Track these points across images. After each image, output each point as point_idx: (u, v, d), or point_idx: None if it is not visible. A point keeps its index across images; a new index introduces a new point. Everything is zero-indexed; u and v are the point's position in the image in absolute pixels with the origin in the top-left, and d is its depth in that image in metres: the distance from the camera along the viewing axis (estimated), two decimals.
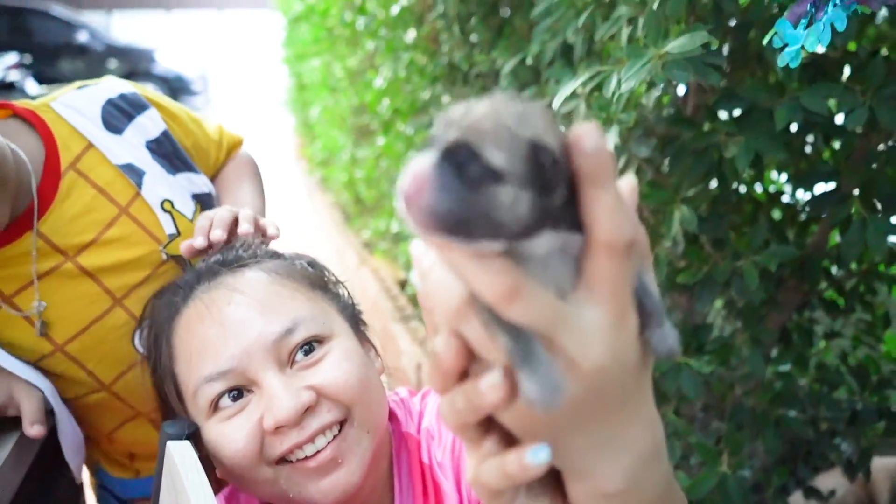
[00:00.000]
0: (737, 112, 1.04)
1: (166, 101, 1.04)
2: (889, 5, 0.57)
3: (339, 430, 0.70)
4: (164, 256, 0.95)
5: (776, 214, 1.45)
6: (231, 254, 0.80)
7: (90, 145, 0.93)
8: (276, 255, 0.82)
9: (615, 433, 0.39)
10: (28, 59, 8.59)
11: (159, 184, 0.96)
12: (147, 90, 1.03)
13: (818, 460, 1.45)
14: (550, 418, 0.38)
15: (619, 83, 0.89)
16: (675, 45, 0.85)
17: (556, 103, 1.03)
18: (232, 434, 0.69)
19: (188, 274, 0.81)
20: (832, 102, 0.99)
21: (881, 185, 1.05)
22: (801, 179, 1.16)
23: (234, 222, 0.86)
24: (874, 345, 1.48)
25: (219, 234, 0.83)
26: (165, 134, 0.99)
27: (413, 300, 3.12)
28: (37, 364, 0.92)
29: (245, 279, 0.75)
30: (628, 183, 0.39)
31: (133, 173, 0.94)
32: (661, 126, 1.13)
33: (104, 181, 0.93)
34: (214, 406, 0.70)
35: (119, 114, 0.96)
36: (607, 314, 0.36)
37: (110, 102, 0.96)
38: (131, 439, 1.04)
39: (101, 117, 0.95)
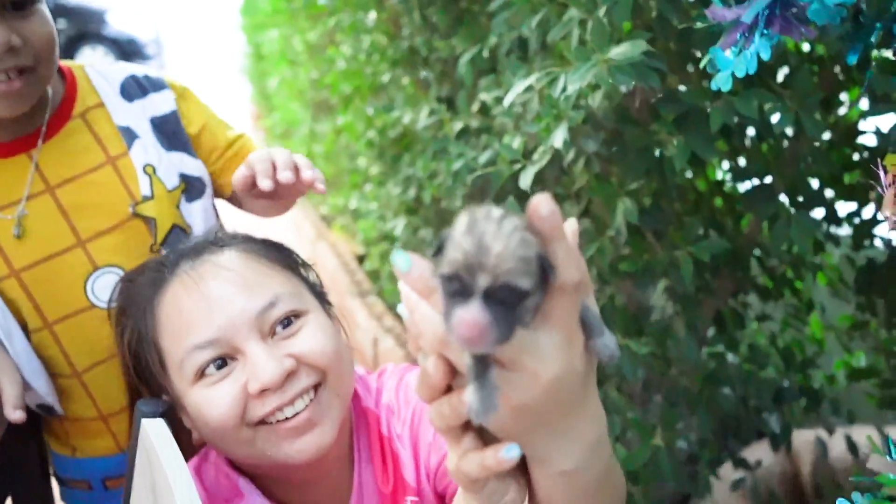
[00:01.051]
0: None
1: (191, 92, 1.13)
2: (805, 35, 0.64)
3: (314, 395, 0.76)
4: (132, 211, 1.01)
5: (718, 202, 1.54)
6: (212, 235, 0.86)
7: (101, 104, 1.04)
8: (251, 239, 0.87)
9: (569, 426, 0.50)
10: None
11: (149, 151, 1.03)
12: (175, 80, 1.12)
13: (747, 434, 1.56)
14: (519, 419, 0.47)
15: (565, 84, 0.95)
16: (617, 52, 0.91)
17: (508, 98, 1.09)
18: (217, 398, 0.74)
19: (170, 253, 0.85)
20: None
21: (806, 184, 1.14)
22: (737, 174, 1.24)
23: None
24: (801, 328, 1.59)
25: (288, 176, 0.92)
26: (173, 114, 1.08)
27: (371, 275, 3.17)
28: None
29: (228, 257, 0.80)
30: (571, 226, 0.48)
31: (128, 135, 1.03)
32: (609, 123, 1.20)
33: (103, 134, 1.02)
34: (200, 373, 0.75)
35: (136, 87, 1.07)
36: (560, 336, 0.46)
37: (133, 77, 1.08)
38: (67, 399, 1.04)
39: (121, 84, 1.06)
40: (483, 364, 0.47)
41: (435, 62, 1.83)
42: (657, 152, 1.14)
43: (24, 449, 1.07)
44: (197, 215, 1.06)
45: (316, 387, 0.77)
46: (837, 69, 1.23)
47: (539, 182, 1.60)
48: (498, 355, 0.46)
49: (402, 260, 0.47)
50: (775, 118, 1.12)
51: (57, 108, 1.01)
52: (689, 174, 1.53)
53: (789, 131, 1.23)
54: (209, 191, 1.10)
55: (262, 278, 0.79)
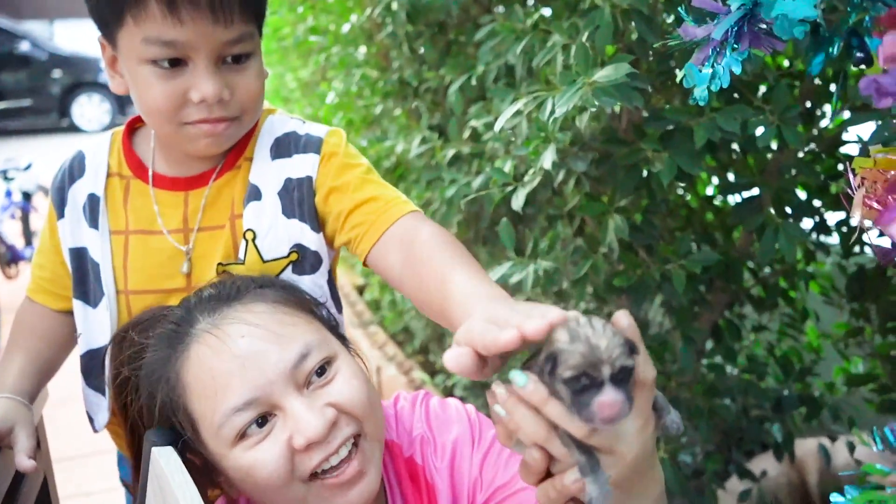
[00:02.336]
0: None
1: (339, 152, 1.02)
2: (776, 50, 0.67)
3: (355, 444, 0.76)
4: (185, 270, 0.98)
5: (710, 216, 1.57)
6: (225, 287, 0.83)
7: (251, 158, 1.01)
8: (266, 283, 0.85)
9: (641, 487, 0.62)
10: None
11: (261, 216, 0.98)
12: (334, 140, 1.03)
13: (750, 445, 1.57)
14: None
15: (553, 108, 0.99)
16: (601, 75, 0.95)
17: (499, 124, 1.12)
18: (264, 457, 0.73)
19: (179, 309, 0.83)
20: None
21: (791, 195, 1.17)
22: (725, 189, 1.27)
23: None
24: (797, 337, 1.61)
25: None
26: (307, 181, 0.99)
27: (371, 305, 3.19)
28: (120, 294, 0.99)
29: (251, 311, 0.78)
30: (625, 319, 0.59)
31: (252, 194, 0.99)
32: (597, 143, 1.23)
33: (238, 188, 1.00)
34: (241, 435, 0.74)
35: (289, 145, 1.01)
36: (640, 422, 0.58)
37: (293, 134, 1.02)
38: None
39: (276, 139, 1.02)
40: (590, 456, 0.59)
41: (425, 93, 1.87)
42: (645, 170, 1.17)
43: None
44: (304, 288, 0.97)
45: (356, 437, 0.77)
46: (819, 82, 1.27)
47: (532, 203, 1.64)
48: (597, 443, 0.57)
49: (520, 378, 0.57)
50: (759, 132, 1.16)
51: (229, 154, 1.01)
52: (679, 191, 1.56)
53: (774, 145, 1.27)
54: (324, 268, 1.01)
55: (289, 328, 0.78)
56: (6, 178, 4.32)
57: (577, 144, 1.26)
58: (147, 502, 0.80)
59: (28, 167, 4.46)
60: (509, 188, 1.27)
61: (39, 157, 5.43)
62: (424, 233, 0.90)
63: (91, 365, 1.03)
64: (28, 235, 4.49)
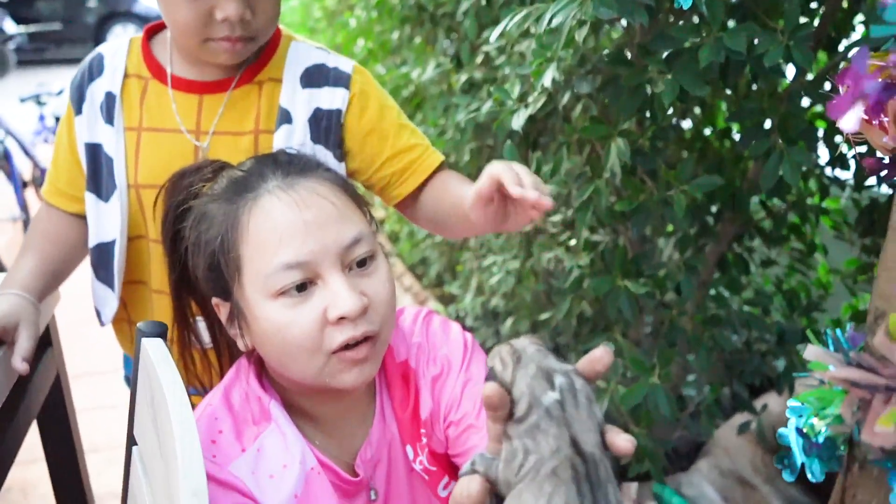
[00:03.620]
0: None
1: (373, 94, 1.10)
2: None
3: (367, 340, 0.79)
4: None
5: (725, 146, 1.54)
6: (299, 159, 0.85)
7: (280, 80, 1.07)
8: (334, 171, 0.87)
9: None
10: None
11: (292, 138, 1.06)
12: (364, 81, 1.10)
13: (751, 378, 1.58)
14: None
15: (550, 19, 0.97)
16: None
17: (495, 34, 1.11)
18: (299, 319, 0.76)
19: (250, 162, 0.85)
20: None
21: (799, 121, 1.14)
22: (733, 116, 1.24)
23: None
24: (806, 272, 1.59)
25: (534, 195, 0.81)
26: (336, 113, 1.08)
27: (390, 237, 3.22)
28: (130, 188, 1.04)
29: (322, 185, 0.81)
30: (603, 354, 0.56)
31: (283, 116, 1.06)
32: (603, 64, 1.21)
33: (265, 107, 1.07)
34: (281, 291, 0.76)
35: (319, 76, 1.08)
36: None
37: (322, 66, 1.09)
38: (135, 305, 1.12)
39: (306, 68, 1.08)
40: None
41: (441, 17, 1.84)
42: (649, 91, 1.15)
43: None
44: None
45: (369, 337, 0.79)
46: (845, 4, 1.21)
47: (541, 131, 1.62)
48: None
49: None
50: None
51: (246, 68, 1.08)
52: (691, 121, 1.53)
53: (791, 72, 1.23)
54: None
55: (351, 213, 0.81)
56: (39, 103, 4.38)
57: (583, 66, 1.24)
58: (138, 388, 0.84)
59: (60, 92, 4.51)
60: (515, 108, 1.26)
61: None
62: (453, 183, 1.07)
63: (101, 257, 1.08)
64: None
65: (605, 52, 1.22)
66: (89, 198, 1.07)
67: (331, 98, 1.08)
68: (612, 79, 1.21)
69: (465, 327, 0.98)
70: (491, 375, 0.56)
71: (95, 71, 1.08)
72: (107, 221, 1.06)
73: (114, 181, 1.04)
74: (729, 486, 1.84)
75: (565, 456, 0.51)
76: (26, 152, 3.94)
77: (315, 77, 1.08)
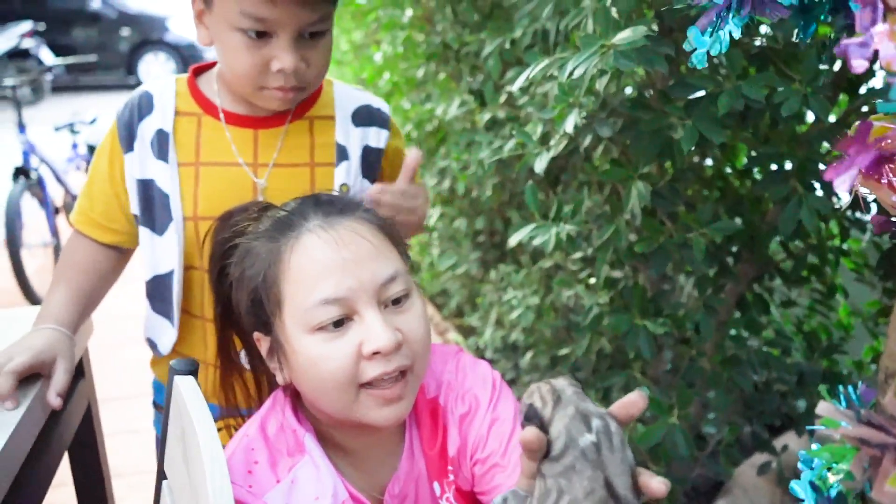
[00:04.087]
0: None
1: (399, 133, 1.24)
2: (778, 15, 0.67)
3: (402, 374, 0.82)
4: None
5: (744, 189, 1.55)
6: (339, 200, 0.89)
7: (332, 117, 1.16)
8: (372, 211, 0.91)
9: None
10: (42, 27, 8.67)
11: (350, 174, 1.14)
12: (393, 120, 1.22)
13: (770, 419, 1.57)
14: None
15: (572, 70, 1.00)
16: (620, 37, 0.96)
17: (518, 83, 1.14)
18: (334, 353, 0.79)
19: (293, 203, 0.89)
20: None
21: (817, 166, 1.16)
22: (753, 160, 1.26)
23: None
24: (826, 314, 1.59)
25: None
26: (380, 152, 1.18)
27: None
28: (187, 221, 1.09)
29: (361, 225, 0.84)
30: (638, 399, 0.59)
31: (341, 153, 1.15)
32: (624, 109, 1.24)
33: (319, 142, 1.14)
34: (319, 326, 0.79)
35: (366, 116, 1.18)
36: None
37: (368, 107, 1.19)
38: (187, 337, 1.15)
39: (355, 108, 1.17)
40: None
41: (465, 56, 1.89)
42: (670, 136, 1.17)
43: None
44: None
45: (406, 369, 0.82)
46: None
47: (564, 169, 1.65)
48: None
49: None
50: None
51: (298, 105, 1.14)
52: (710, 161, 1.55)
53: (811, 116, 1.25)
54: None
55: (387, 252, 0.84)
56: (73, 132, 4.49)
57: (604, 110, 1.27)
58: (169, 423, 0.87)
59: (94, 121, 4.63)
60: (537, 152, 1.29)
61: (105, 112, 5.63)
62: None
63: (157, 289, 1.12)
64: None
65: (626, 96, 1.25)
66: (144, 232, 1.11)
67: (377, 137, 1.17)
68: (632, 123, 1.24)
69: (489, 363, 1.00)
70: (531, 413, 0.58)
71: (145, 109, 1.11)
72: (163, 254, 1.09)
73: (169, 215, 1.08)
74: None
75: (600, 498, 0.53)
76: (59, 179, 4.04)
77: (365, 117, 1.17)
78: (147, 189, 1.10)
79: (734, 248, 1.46)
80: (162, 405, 1.17)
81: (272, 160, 1.11)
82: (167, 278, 1.10)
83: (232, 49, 1.02)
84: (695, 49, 0.75)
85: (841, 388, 0.56)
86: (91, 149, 4.60)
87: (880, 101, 0.46)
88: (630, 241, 1.31)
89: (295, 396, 0.89)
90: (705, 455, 1.96)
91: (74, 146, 4.47)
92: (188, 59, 10.63)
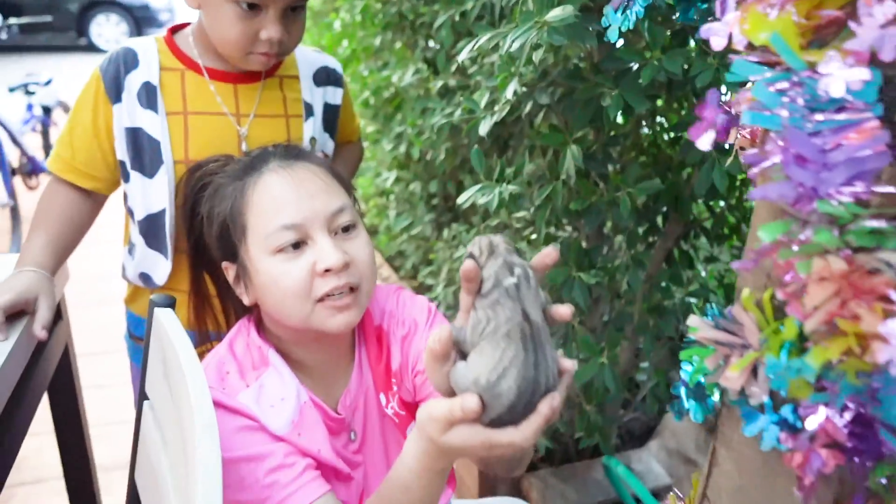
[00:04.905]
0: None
1: (347, 87, 1.43)
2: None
3: (352, 290, 0.96)
4: (245, 148, 1.25)
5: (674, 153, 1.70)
6: (294, 147, 1.03)
7: (297, 77, 1.33)
8: (323, 157, 1.06)
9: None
10: None
11: (315, 128, 1.32)
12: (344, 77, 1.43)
13: None
14: None
15: (510, 43, 1.12)
16: (552, 15, 1.08)
17: (462, 55, 1.25)
18: (292, 271, 0.92)
19: (258, 152, 1.02)
20: None
21: None
22: (674, 127, 1.40)
23: None
24: None
25: None
26: (337, 108, 1.38)
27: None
28: (178, 164, 1.21)
29: (313, 165, 0.99)
30: (551, 251, 0.71)
31: (308, 109, 1.32)
32: (561, 79, 1.36)
33: (289, 97, 1.31)
34: (279, 249, 0.93)
35: (324, 76, 1.37)
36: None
37: (325, 68, 1.37)
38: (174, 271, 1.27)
39: (316, 69, 1.35)
40: None
41: (420, 26, 1.99)
42: (601, 104, 1.30)
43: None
44: None
45: (355, 286, 0.96)
46: None
47: (511, 135, 1.77)
48: None
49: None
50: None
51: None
52: (648, 130, 1.69)
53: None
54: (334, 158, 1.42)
55: (335, 188, 0.99)
56: (27, 93, 4.45)
57: (545, 80, 1.39)
58: (150, 350, 0.98)
59: (48, 82, 4.59)
60: (482, 117, 1.41)
61: (58, 73, 5.55)
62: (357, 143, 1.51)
63: (150, 227, 1.23)
64: (48, 148, 4.65)
65: (563, 68, 1.37)
66: (135, 176, 1.22)
67: (334, 95, 1.37)
68: (568, 92, 1.37)
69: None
70: (469, 257, 0.73)
71: (130, 64, 1.22)
72: (154, 194, 1.21)
73: (160, 159, 1.20)
74: (674, 464, 2.01)
75: (517, 323, 0.67)
76: (14, 141, 4.02)
77: (323, 77, 1.35)
78: (136, 136, 1.20)
79: (664, 210, 1.61)
80: (140, 336, 1.28)
81: (252, 111, 1.26)
82: (159, 217, 1.22)
83: (225, 18, 1.15)
84: (609, 25, 0.88)
85: (708, 305, 0.70)
86: (46, 110, 4.56)
87: (727, 73, 0.59)
88: (566, 201, 1.44)
89: (258, 322, 1.01)
90: (638, 400, 2.14)
91: (30, 107, 4.43)
92: (140, 21, 10.40)
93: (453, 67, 1.81)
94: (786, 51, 0.54)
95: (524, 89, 1.34)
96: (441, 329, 0.70)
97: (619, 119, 1.53)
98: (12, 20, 3.94)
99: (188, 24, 1.28)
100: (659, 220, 1.63)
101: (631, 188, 1.35)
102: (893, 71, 0.54)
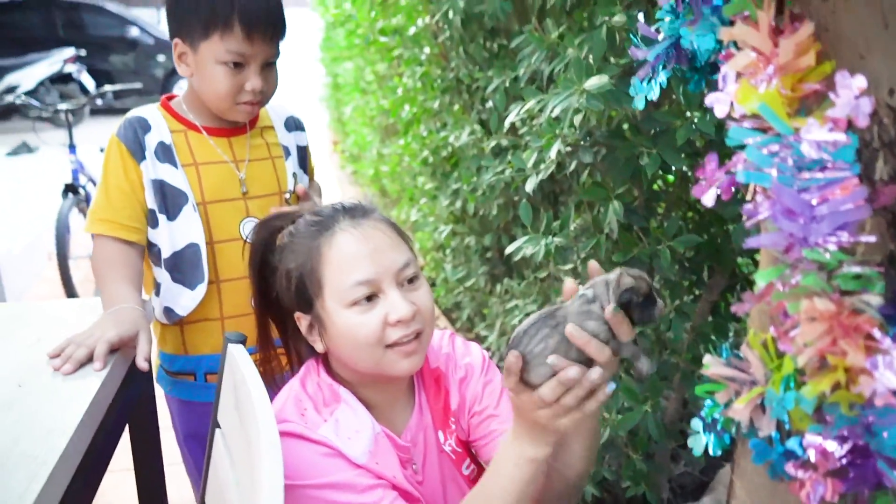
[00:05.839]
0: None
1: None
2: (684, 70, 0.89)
3: (417, 336, 1.05)
4: (287, 198, 1.55)
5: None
6: (360, 206, 1.13)
7: (272, 127, 1.60)
8: (383, 216, 1.16)
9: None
10: (83, 52, 9.11)
11: (295, 165, 1.58)
12: None
13: None
14: None
15: (552, 108, 1.22)
16: (590, 83, 1.18)
17: (509, 120, 1.36)
18: (367, 321, 1.02)
19: (326, 210, 1.12)
20: None
21: None
22: None
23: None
24: None
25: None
26: (307, 149, 1.65)
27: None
28: (199, 206, 1.44)
29: (378, 223, 1.09)
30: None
31: (286, 151, 1.59)
32: (603, 139, 1.46)
33: (271, 143, 1.57)
34: (354, 302, 1.02)
35: (293, 124, 1.64)
36: None
37: (292, 117, 1.65)
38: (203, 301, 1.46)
39: (285, 119, 1.63)
40: (635, 347, 0.90)
41: (475, 90, 2.12)
42: (640, 161, 1.38)
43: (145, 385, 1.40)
44: None
45: (418, 334, 1.06)
46: None
47: (556, 191, 1.86)
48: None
49: (615, 310, 0.86)
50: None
51: (249, 120, 1.55)
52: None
53: None
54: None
55: (399, 243, 1.09)
56: None
57: (587, 140, 1.49)
58: (223, 380, 1.09)
59: None
60: (529, 175, 1.51)
61: None
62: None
63: (176, 262, 1.43)
64: None
65: (606, 129, 1.47)
66: (161, 219, 1.43)
67: (301, 138, 1.64)
68: (610, 151, 1.45)
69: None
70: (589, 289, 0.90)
71: (145, 128, 1.45)
72: (178, 234, 1.43)
73: (182, 203, 1.42)
74: None
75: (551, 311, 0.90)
76: None
77: (292, 125, 1.63)
78: (161, 186, 1.43)
79: (707, 263, 1.66)
80: (175, 371, 1.48)
81: (247, 157, 1.52)
82: (185, 251, 1.43)
83: (215, 77, 1.39)
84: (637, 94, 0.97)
85: (723, 345, 0.77)
86: None
87: (727, 138, 0.67)
88: (610, 253, 1.52)
89: (325, 363, 1.11)
90: (688, 452, 2.14)
91: None
92: None
93: (506, 128, 1.93)
94: (773, 118, 0.63)
95: (568, 149, 1.44)
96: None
97: (663, 177, 1.61)
98: (107, 87, 4.29)
99: (176, 95, 1.54)
100: (704, 273, 1.68)
101: (671, 241, 1.42)
102: (868, 135, 0.61)
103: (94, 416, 1.09)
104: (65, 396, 1.09)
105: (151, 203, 1.42)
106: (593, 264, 0.92)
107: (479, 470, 1.18)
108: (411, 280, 1.06)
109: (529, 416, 0.90)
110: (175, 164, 1.43)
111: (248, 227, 1.48)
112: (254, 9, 1.36)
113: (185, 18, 1.40)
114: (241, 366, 1.00)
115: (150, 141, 1.43)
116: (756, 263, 1.69)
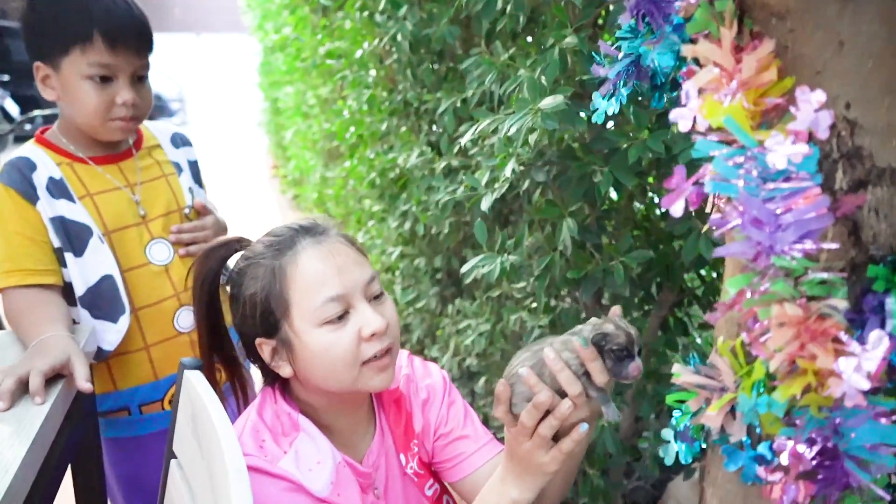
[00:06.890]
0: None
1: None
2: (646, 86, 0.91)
3: (388, 351, 1.03)
4: (186, 213, 1.53)
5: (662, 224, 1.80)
6: (319, 225, 1.09)
7: (159, 145, 1.59)
8: (342, 232, 1.13)
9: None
10: (6, 77, 8.79)
11: (189, 180, 1.57)
12: None
13: None
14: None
15: (508, 127, 1.24)
16: (545, 103, 1.20)
17: (465, 139, 1.37)
18: (341, 339, 0.99)
19: (282, 230, 1.08)
20: None
21: None
22: (661, 202, 1.51)
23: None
24: None
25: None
26: (196, 163, 1.65)
27: None
28: (104, 237, 1.40)
29: (340, 239, 1.06)
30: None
31: (177, 167, 1.58)
32: (555, 158, 1.48)
33: (161, 161, 1.56)
34: (325, 321, 0.99)
35: (179, 140, 1.63)
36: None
37: (176, 133, 1.64)
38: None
39: (171, 136, 1.62)
40: (605, 395, 0.93)
41: (424, 112, 2.13)
42: (592, 181, 1.41)
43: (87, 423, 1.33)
44: None
45: (388, 349, 1.04)
46: None
47: (508, 210, 1.88)
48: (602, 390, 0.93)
49: (583, 342, 0.89)
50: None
51: (134, 142, 1.54)
52: (639, 203, 1.80)
53: None
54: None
55: (363, 259, 1.08)
56: None
57: (541, 159, 1.51)
58: (179, 410, 1.05)
59: None
60: (483, 194, 1.52)
61: None
62: None
63: (93, 298, 1.37)
64: None
65: (557, 148, 1.49)
66: (69, 257, 1.37)
67: (190, 153, 1.64)
68: (563, 170, 1.48)
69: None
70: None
71: (28, 168, 1.38)
72: (88, 269, 1.37)
73: (83, 239, 1.37)
74: None
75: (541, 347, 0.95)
76: None
77: (179, 141, 1.63)
78: (61, 223, 1.36)
79: (657, 279, 1.70)
80: (104, 411, 1.42)
81: (138, 180, 1.49)
82: (99, 285, 1.37)
83: (83, 94, 1.35)
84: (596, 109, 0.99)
85: (691, 355, 0.78)
86: None
87: (693, 150, 0.69)
88: (564, 270, 1.53)
89: (283, 390, 1.08)
90: (641, 465, 2.16)
91: None
92: (154, 110, 10.78)
93: (455, 149, 1.94)
94: (739, 131, 0.65)
95: (522, 168, 1.46)
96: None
97: (613, 194, 1.64)
98: (37, 112, 4.15)
99: (49, 127, 1.47)
100: (654, 289, 1.72)
101: (623, 257, 1.45)
102: (828, 147, 0.64)
103: (36, 453, 1.03)
104: (4, 434, 1.03)
105: (56, 241, 1.36)
106: (616, 309, 0.95)
107: (443, 489, 1.16)
108: (378, 296, 1.05)
109: (518, 451, 0.91)
110: (71, 199, 1.38)
111: (154, 251, 1.47)
112: (114, 19, 1.34)
113: (43, 39, 1.35)
114: (200, 393, 0.96)
115: (39, 179, 1.37)
116: (703, 279, 1.74)
